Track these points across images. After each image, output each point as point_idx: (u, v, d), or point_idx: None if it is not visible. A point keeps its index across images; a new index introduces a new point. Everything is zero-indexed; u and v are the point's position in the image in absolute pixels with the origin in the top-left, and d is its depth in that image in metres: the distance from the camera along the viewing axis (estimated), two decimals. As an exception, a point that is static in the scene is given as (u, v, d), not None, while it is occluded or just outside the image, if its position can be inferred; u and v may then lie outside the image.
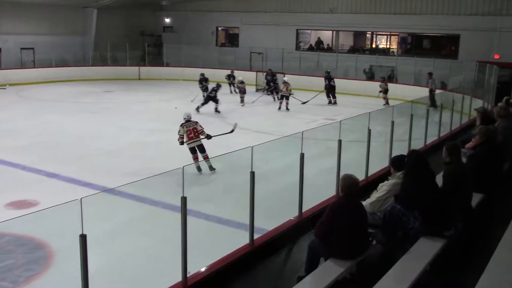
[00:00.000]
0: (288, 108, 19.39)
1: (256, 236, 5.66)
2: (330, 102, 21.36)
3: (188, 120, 10.91)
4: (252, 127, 16.11)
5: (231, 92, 23.09)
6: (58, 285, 6.04)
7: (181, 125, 10.80)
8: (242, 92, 20.65)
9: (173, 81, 27.33)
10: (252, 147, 5.41)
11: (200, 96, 20.02)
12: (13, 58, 25.51)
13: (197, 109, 17.80)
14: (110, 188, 8.07)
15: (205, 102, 18.35)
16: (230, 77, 23.71)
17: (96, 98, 21.34)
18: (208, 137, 10.81)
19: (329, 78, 21.58)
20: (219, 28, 32.15)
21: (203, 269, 5.06)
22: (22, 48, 25.78)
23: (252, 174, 5.40)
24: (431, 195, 5.00)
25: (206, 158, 10.65)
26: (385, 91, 21.41)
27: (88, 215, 3.84)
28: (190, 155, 10.74)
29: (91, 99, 21.03)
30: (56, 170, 10.59)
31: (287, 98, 19.51)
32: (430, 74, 20.76)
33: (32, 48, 26.16)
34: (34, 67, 25.91)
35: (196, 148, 10.70)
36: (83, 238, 3.86)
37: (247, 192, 5.59)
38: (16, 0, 24.97)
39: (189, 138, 10.67)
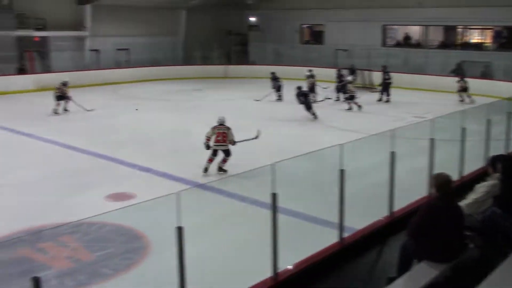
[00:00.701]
0: (360, 105, 18.71)
1: (345, 235, 5.64)
2: (380, 100, 20.62)
3: (221, 124, 10.81)
4: (338, 125, 15.99)
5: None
6: (155, 273, 6.35)
7: (212, 128, 10.74)
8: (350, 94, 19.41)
9: (258, 79, 27.66)
10: (341, 144, 5.39)
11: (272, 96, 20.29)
12: (110, 58, 27.04)
13: (314, 115, 16.86)
14: (202, 184, 8.37)
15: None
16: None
17: (186, 96, 22.12)
18: (233, 143, 10.70)
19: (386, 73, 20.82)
20: (304, 26, 32.10)
21: (292, 266, 5.13)
22: (118, 49, 27.25)
23: (342, 172, 5.38)
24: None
25: (225, 161, 10.59)
26: (464, 89, 20.50)
27: (183, 208, 4.02)
28: (277, 153, 10.84)
29: (181, 97, 21.83)
30: (150, 164, 11.11)
31: (352, 98, 18.73)
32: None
33: (127, 49, 27.58)
34: (129, 67, 27.30)
35: (221, 152, 10.60)
36: (179, 230, 4.04)
37: (334, 190, 5.59)
38: (112, 4, 26.40)
39: (216, 141, 10.58)
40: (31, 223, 7.83)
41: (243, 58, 31.56)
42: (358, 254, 5.59)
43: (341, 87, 20.43)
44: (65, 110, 17.68)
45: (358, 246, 5.65)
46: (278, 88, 20.57)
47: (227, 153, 10.62)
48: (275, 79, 20.87)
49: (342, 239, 5.56)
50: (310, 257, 5.27)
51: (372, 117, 17.42)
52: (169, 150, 12.66)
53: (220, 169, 10.56)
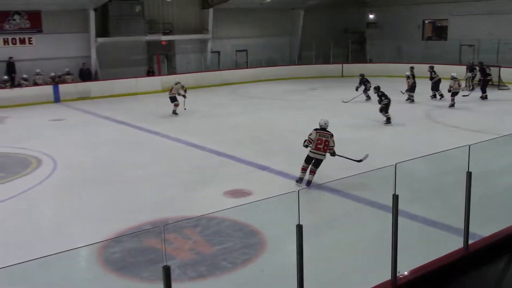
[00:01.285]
0: (453, 103, 17.87)
1: (470, 241, 5.32)
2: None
3: (324, 129, 9.78)
4: (460, 124, 15.10)
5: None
6: (272, 270, 6.47)
7: (315, 130, 9.76)
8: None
9: (374, 77, 26.98)
10: (469, 145, 5.10)
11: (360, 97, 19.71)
12: (229, 60, 28.02)
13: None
14: (320, 183, 8.37)
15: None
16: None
17: (301, 95, 22.23)
18: (333, 154, 9.71)
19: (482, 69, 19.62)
20: (426, 21, 30.71)
21: (409, 271, 4.94)
22: (237, 51, 28.16)
23: (469, 174, 5.08)
24: None
25: (313, 172, 9.55)
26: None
27: (300, 207, 4.04)
28: (394, 153, 10.52)
29: (296, 96, 21.98)
30: (267, 162, 11.33)
31: (456, 94, 17.98)
32: None
33: (246, 50, 28.39)
34: (247, 68, 28.08)
35: (314, 161, 9.58)
36: (299, 228, 4.07)
37: (458, 194, 5.29)
38: (232, 7, 27.34)
39: (316, 148, 9.54)
40: (156, 215, 8.39)
41: (360, 56, 30.99)
42: (485, 262, 5.25)
43: (434, 85, 19.72)
44: (184, 109, 18.29)
45: (485, 254, 5.30)
46: (366, 89, 19.92)
47: (318, 164, 9.58)
48: (365, 81, 20.18)
49: (467, 245, 5.24)
50: (431, 262, 5.04)
51: (501, 117, 16.21)
52: (284, 149, 12.81)
53: (308, 183, 9.47)
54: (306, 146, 9.73)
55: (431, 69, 19.91)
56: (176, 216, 8.12)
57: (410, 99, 19.22)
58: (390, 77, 26.18)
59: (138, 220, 8.15)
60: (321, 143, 9.55)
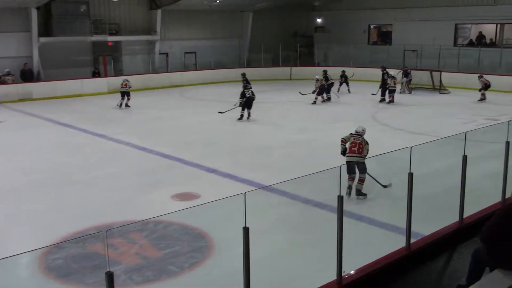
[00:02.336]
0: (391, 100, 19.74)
1: (412, 240, 5.48)
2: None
3: (359, 133, 9.40)
4: (406, 127, 15.58)
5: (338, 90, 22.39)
6: (220, 273, 6.44)
7: (351, 134, 9.43)
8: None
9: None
10: (411, 147, 5.25)
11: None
12: (178, 61, 27.77)
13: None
14: (269, 185, 8.40)
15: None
16: (342, 77, 23.24)
17: (250, 98, 22.25)
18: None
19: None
20: (371, 26, 31.54)
21: (355, 271, 5.03)
22: (185, 52, 27.94)
23: (411, 175, 5.23)
24: None
25: (361, 181, 8.92)
26: (484, 87, 20.30)
27: (247, 209, 4.04)
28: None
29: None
30: (215, 165, 11.28)
31: (393, 91, 19.80)
32: None
33: (194, 52, 28.22)
34: (196, 70, 27.92)
35: (355, 166, 8.93)
36: (246, 230, 4.06)
37: (401, 194, 5.44)
38: (181, 9, 27.12)
39: (350, 151, 9.05)
40: (102, 219, 8.18)
41: (308, 59, 31.44)
42: (425, 260, 5.41)
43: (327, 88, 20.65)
44: (127, 105, 19.10)
45: (426, 252, 5.47)
46: (328, 89, 20.50)
47: (363, 168, 8.88)
48: (326, 79, 20.69)
49: (409, 244, 5.40)
50: (375, 262, 5.15)
51: (442, 119, 16.84)
52: (234, 151, 12.82)
53: (360, 193, 8.86)
54: (344, 152, 9.12)
55: (384, 69, 20.82)
56: (123, 220, 7.96)
57: (314, 102, 19.95)
58: (337, 80, 26.72)
59: (83, 225, 7.91)
60: (355, 146, 9.03)
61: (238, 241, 4.12)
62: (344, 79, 23.18)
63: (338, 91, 21.96)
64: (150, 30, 26.80)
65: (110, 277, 3.40)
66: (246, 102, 16.59)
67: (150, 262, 6.86)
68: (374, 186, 9.14)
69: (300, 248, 7.07)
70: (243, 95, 16.73)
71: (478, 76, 20.89)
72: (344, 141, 9.23)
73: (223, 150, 13.02)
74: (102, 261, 6.72)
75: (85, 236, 7.36)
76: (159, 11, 26.45)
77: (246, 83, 19.04)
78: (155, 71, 26.51)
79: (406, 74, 23.13)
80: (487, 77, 20.84)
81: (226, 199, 4.80)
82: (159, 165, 11.65)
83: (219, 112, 17.32)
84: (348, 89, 23.08)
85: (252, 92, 16.81)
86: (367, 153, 9.01)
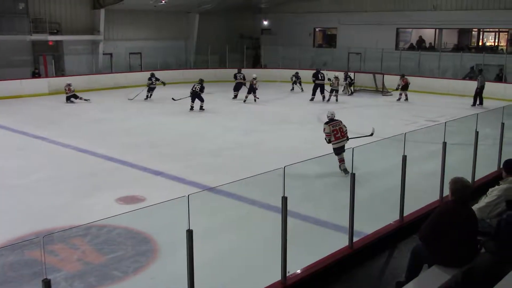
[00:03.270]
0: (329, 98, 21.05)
1: (355, 239, 5.59)
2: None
3: (332, 119, 10.48)
4: (350, 128, 15.88)
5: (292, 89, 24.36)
6: (164, 277, 6.35)
7: (326, 124, 10.44)
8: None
9: (270, 82, 27.68)
10: (353, 148, 5.35)
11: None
12: (123, 62, 27.21)
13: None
14: (214, 187, 8.35)
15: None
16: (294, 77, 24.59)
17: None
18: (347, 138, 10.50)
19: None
20: (317, 29, 32.07)
21: (301, 270, 5.09)
22: (130, 53, 27.43)
23: (353, 176, 5.34)
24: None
25: (341, 161, 10.12)
26: (404, 86, 21.48)
27: (192, 212, 4.00)
28: (289, 156, 10.81)
29: (193, 100, 21.83)
30: (161, 168, 11.13)
31: (334, 91, 21.12)
32: (481, 71, 20.75)
33: (140, 53, 27.75)
34: (141, 71, 27.44)
35: (343, 147, 10.20)
36: (189, 233, 4.02)
37: (346, 194, 5.55)
38: (126, 9, 26.61)
39: (336, 138, 10.24)
40: (42, 225, 7.88)
41: (255, 61, 31.61)
42: (368, 258, 5.54)
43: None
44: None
45: (368, 250, 5.60)
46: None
47: (343, 149, 10.12)
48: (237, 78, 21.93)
49: (352, 243, 5.51)
50: (319, 261, 5.23)
51: (386, 120, 17.31)
52: (181, 153, 12.68)
53: (345, 171, 9.81)
54: (329, 142, 10.26)
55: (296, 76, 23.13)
56: (64, 225, 7.70)
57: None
58: (283, 82, 27.05)
59: (22, 231, 7.60)
60: (337, 132, 10.25)
61: (183, 244, 4.08)
62: (296, 79, 24.26)
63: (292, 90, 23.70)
64: (93, 30, 26.15)
65: (47, 284, 3.29)
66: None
67: (93, 267, 6.67)
68: (319, 184, 9.28)
69: (247, 249, 7.07)
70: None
71: (401, 76, 21.89)
72: (329, 134, 10.27)
73: (170, 152, 12.86)
74: (42, 268, 6.49)
75: (22, 242, 7.07)
76: (102, 11, 25.84)
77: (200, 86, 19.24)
78: (99, 72, 25.87)
79: (346, 77, 23.85)
80: (427, 79, 21.72)
81: (171, 201, 4.74)
82: (103, 168, 11.37)
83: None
84: (301, 89, 24.15)
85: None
86: (345, 127, 10.45)
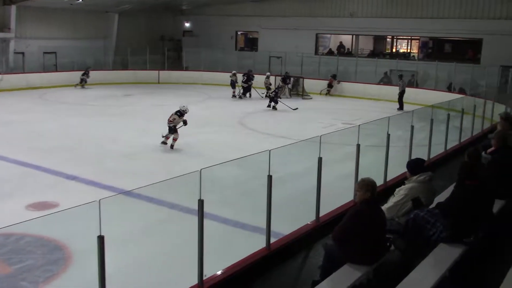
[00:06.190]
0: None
1: (272, 240, 5.64)
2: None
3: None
4: (270, 131, 16.12)
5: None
6: (77, 285, 6.09)
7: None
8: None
9: (192, 84, 27.52)
10: (269, 151, 5.39)
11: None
12: (36, 62, 25.89)
13: None
14: (128, 190, 8.13)
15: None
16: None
17: (116, 101, 21.56)
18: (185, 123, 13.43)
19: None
20: (239, 33, 32.25)
21: (219, 272, 5.06)
22: (45, 53, 26.16)
23: (270, 178, 5.38)
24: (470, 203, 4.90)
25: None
26: (329, 85, 23.74)
27: (107, 217, 3.87)
28: (208, 158, 10.81)
29: (111, 102, 21.26)
30: (76, 172, 10.71)
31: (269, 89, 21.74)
32: (401, 76, 21.76)
33: (55, 52, 26.54)
34: (57, 71, 26.29)
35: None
36: (101, 239, 3.88)
37: (264, 196, 5.58)
38: (39, 6, 25.39)
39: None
40: None
41: (177, 64, 31.24)
42: (285, 258, 5.60)
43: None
44: None
45: (285, 251, 5.67)
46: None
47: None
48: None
49: (269, 244, 5.55)
50: (237, 263, 5.22)
51: (304, 124, 17.70)
52: (97, 157, 12.26)
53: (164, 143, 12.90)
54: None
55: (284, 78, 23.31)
56: (-32, 235, 7.19)
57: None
58: (205, 85, 27.00)
59: None
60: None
61: (97, 251, 3.92)
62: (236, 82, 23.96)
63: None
64: (3, 27, 24.67)
65: None
66: None
67: (-2, 279, 6.27)
68: (238, 187, 9.31)
69: (164, 254, 6.94)
70: None
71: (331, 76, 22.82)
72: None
73: (86, 156, 12.39)
74: None
75: None
76: (13, 7, 24.44)
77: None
78: (9, 71, 24.46)
79: (284, 80, 24.17)
80: (344, 84, 22.55)
81: (83, 206, 4.54)
82: (12, 173, 10.75)
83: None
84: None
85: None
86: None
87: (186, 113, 13.58)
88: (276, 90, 21.01)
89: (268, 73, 24.27)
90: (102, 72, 27.44)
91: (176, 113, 13.44)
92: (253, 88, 23.59)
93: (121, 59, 29.04)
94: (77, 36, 27.69)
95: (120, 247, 6.51)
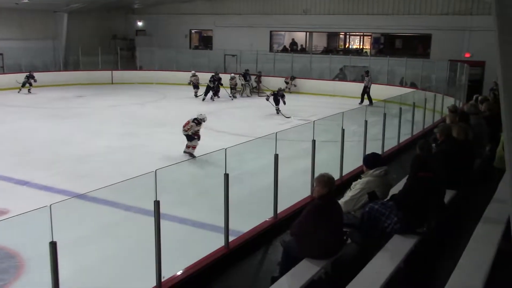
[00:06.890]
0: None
1: (231, 239, 5.62)
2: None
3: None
4: (227, 129, 16.07)
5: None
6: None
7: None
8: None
9: (146, 84, 27.12)
10: (225, 149, 5.36)
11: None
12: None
13: None
14: (81, 194, 7.93)
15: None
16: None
17: (67, 103, 21.00)
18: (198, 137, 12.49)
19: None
20: (193, 31, 32.00)
21: (179, 273, 5.00)
22: (-10, 54, 25.23)
23: (226, 176, 5.35)
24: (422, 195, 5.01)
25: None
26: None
27: (59, 222, 3.75)
28: (163, 159, 10.69)
29: (62, 104, 20.69)
30: (28, 177, 10.38)
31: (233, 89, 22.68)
32: (367, 72, 22.29)
33: (1, 54, 25.60)
34: (3, 73, 25.36)
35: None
36: (53, 245, 3.77)
37: (222, 194, 5.55)
38: (-17, 5, 24.47)
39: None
40: None
41: (130, 63, 30.71)
42: (244, 256, 5.59)
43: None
44: None
45: (244, 249, 5.65)
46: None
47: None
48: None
49: (228, 243, 5.52)
50: (195, 263, 5.17)
51: (260, 121, 17.75)
52: (49, 161, 11.91)
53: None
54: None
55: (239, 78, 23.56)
56: None
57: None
58: (161, 84, 26.66)
59: None
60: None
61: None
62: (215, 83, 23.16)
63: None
64: None
65: None
66: None
67: None
68: (195, 186, 9.25)
69: (121, 257, 6.81)
70: None
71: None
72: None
73: (37, 160, 12.01)
74: None
75: None
76: (-45, 7, 23.49)
77: None
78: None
79: (245, 77, 24.16)
80: (298, 80, 22.74)
81: (33, 212, 4.40)
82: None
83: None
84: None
85: None
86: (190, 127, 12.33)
87: (204, 121, 12.75)
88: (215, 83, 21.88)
89: (233, 74, 24.20)
90: (53, 73, 26.67)
91: (193, 120, 12.51)
92: (224, 88, 23.33)
93: (72, 59, 28.28)
94: (24, 37, 26.74)
95: (75, 252, 6.35)
